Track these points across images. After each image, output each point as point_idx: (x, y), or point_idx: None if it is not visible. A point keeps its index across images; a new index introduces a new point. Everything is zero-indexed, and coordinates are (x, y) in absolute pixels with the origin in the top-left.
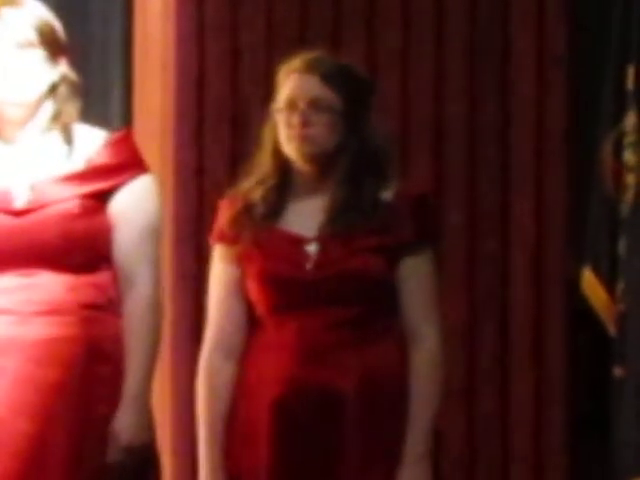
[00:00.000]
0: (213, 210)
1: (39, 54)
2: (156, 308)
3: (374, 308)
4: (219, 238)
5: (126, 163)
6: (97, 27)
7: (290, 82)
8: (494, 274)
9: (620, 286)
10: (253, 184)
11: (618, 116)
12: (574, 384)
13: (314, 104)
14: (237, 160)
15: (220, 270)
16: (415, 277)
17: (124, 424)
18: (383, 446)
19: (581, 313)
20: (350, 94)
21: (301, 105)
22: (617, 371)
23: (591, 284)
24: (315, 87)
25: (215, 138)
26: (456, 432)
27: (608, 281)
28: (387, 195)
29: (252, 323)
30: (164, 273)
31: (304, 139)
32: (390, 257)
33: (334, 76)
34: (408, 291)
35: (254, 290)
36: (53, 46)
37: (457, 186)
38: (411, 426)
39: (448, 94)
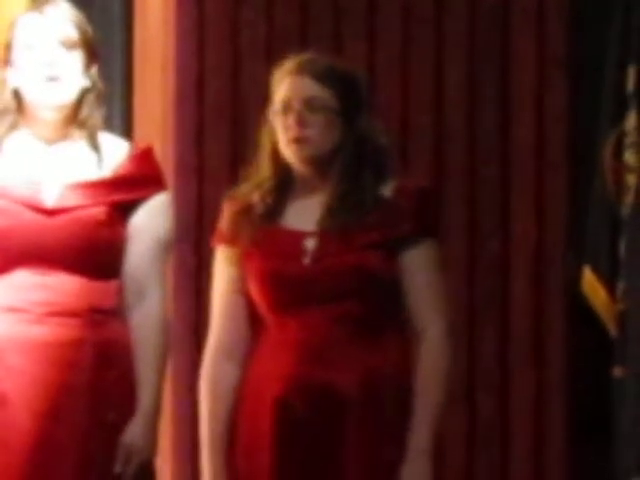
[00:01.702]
0: (213, 210)
1: (79, 56)
2: (165, 322)
3: (374, 304)
4: (219, 240)
5: (149, 178)
6: (97, 27)
7: (284, 84)
8: (495, 274)
9: (620, 286)
10: (252, 187)
11: (618, 117)
12: (574, 384)
13: (309, 104)
14: (237, 160)
15: (221, 272)
16: (418, 270)
17: (138, 438)
18: (386, 443)
19: (582, 313)
20: (344, 92)
21: (296, 106)
22: (617, 371)
23: (591, 284)
24: (309, 87)
25: (215, 138)
26: (457, 433)
27: (608, 281)
28: (387, 190)
29: (256, 324)
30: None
31: (301, 141)
32: (390, 252)
33: (327, 75)
34: (412, 285)
35: (254, 289)
36: (90, 50)
37: (457, 187)
38: (415, 420)
39: (448, 96)
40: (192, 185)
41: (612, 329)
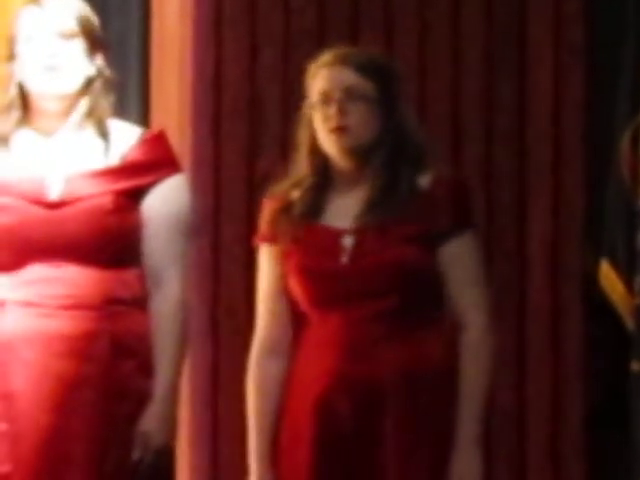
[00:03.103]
0: (230, 201)
1: (80, 46)
2: (183, 307)
3: (414, 298)
4: (261, 238)
5: (160, 161)
6: (115, 23)
7: (322, 76)
8: (511, 268)
9: (638, 279)
10: (291, 184)
11: (636, 109)
12: (592, 378)
13: (349, 93)
14: (254, 152)
15: (264, 270)
16: (457, 263)
17: (154, 425)
18: (428, 439)
19: (599, 307)
20: (383, 82)
21: (337, 95)
22: (635, 365)
23: (609, 278)
24: (349, 77)
25: (232, 133)
26: None
27: (626, 274)
28: (423, 182)
29: (299, 321)
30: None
31: (342, 130)
32: (428, 245)
33: (366, 66)
34: (452, 278)
35: (295, 286)
36: (92, 39)
37: (474, 181)
38: (461, 411)
39: (465, 88)
40: (209, 177)
41: (629, 323)
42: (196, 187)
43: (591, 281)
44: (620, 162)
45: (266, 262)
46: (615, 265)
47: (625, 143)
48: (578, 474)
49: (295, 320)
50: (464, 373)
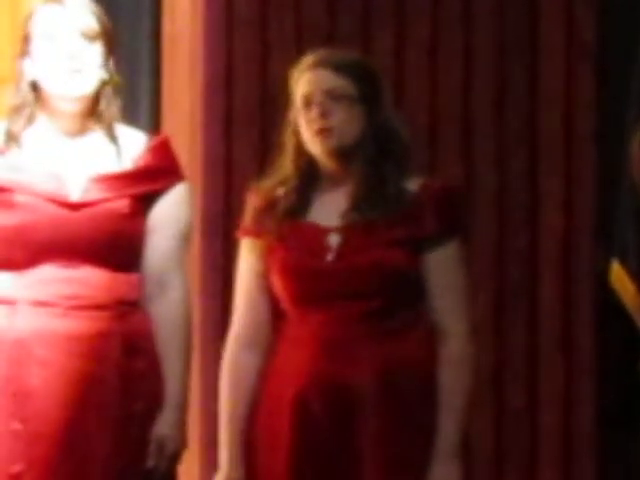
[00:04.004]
0: (241, 202)
1: (100, 48)
2: (188, 312)
3: (396, 301)
4: (244, 232)
5: (168, 169)
6: (126, 24)
7: (304, 80)
8: (523, 268)
9: None
10: (276, 182)
11: None
12: (603, 378)
13: (330, 94)
14: (265, 153)
15: (245, 264)
16: (441, 270)
17: (169, 432)
18: (406, 440)
19: (610, 307)
20: (364, 82)
21: (318, 97)
22: None
23: (620, 278)
24: (329, 78)
25: (244, 134)
26: (485, 427)
27: (637, 275)
28: (412, 186)
29: (278, 319)
30: (192, 268)
31: (326, 132)
32: (413, 249)
33: (346, 66)
34: (434, 284)
35: (277, 283)
36: (109, 41)
37: (486, 180)
38: (441, 422)
39: (477, 88)
40: (220, 178)
41: None
42: (207, 189)
43: (602, 281)
44: (631, 162)
45: (247, 256)
46: (626, 265)
47: (636, 143)
48: (589, 473)
49: (275, 315)
50: (444, 384)
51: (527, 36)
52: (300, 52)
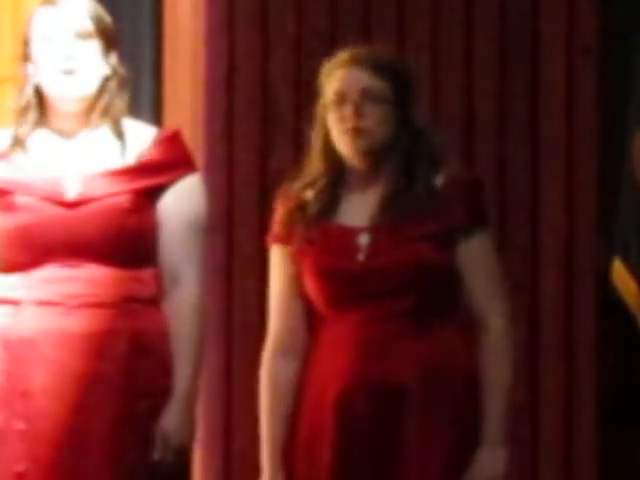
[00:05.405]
0: (243, 200)
1: (96, 46)
2: (202, 306)
3: (431, 296)
4: (274, 239)
5: (176, 161)
6: (127, 21)
7: (338, 76)
8: (524, 265)
9: None
10: (305, 184)
11: None
12: (604, 376)
13: (366, 95)
14: (267, 150)
15: (277, 270)
16: (474, 261)
17: (175, 424)
18: (448, 437)
19: (612, 305)
20: (399, 84)
21: (353, 96)
22: None
23: (621, 275)
24: (366, 78)
25: (245, 131)
26: None
27: (638, 273)
28: (438, 180)
29: (315, 321)
30: None
31: (357, 132)
32: (444, 243)
33: (383, 67)
34: (469, 276)
35: (310, 286)
36: (107, 38)
37: (487, 177)
38: (486, 411)
39: (478, 87)
40: (222, 176)
41: None
42: (209, 186)
43: (604, 279)
44: (633, 160)
45: (279, 262)
46: (628, 264)
47: (638, 141)
48: (591, 471)
49: (311, 320)
50: (486, 375)
51: (528, 36)
52: (301, 50)
